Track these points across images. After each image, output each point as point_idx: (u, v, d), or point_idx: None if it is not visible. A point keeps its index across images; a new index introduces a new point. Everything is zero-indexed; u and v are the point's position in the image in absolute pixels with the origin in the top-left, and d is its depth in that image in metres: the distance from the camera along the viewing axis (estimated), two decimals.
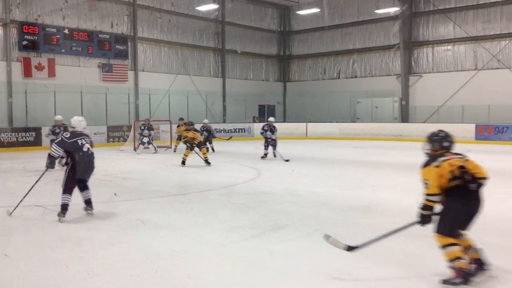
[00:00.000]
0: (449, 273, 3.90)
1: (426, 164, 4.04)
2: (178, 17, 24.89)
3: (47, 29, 19.70)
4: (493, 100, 21.61)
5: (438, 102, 23.80)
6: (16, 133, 17.81)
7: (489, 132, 20.69)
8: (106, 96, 21.33)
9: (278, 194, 8.34)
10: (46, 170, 6.51)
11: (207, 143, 15.85)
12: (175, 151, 16.63)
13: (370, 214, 6.62)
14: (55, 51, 19.94)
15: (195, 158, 13.09)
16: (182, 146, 16.85)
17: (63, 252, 4.92)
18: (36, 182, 6.67)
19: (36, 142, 17.99)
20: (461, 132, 21.34)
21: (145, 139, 16.33)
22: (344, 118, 26.10)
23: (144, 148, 16.53)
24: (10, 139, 17.57)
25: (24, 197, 6.55)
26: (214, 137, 16.80)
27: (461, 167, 3.91)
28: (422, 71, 25.04)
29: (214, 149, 16.67)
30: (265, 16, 29.59)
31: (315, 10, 27.63)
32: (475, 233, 4.15)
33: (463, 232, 3.99)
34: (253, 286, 3.99)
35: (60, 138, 6.30)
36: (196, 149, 12.63)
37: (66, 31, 20.26)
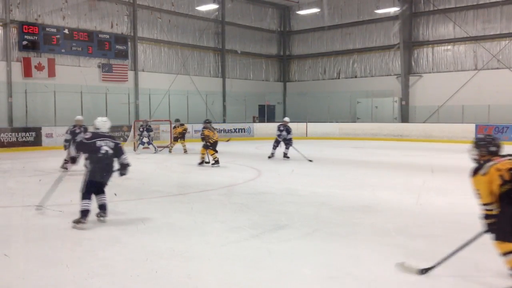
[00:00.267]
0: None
1: (474, 173, 3.90)
2: (178, 17, 24.89)
3: (47, 29, 19.71)
4: (493, 100, 21.61)
5: (438, 102, 23.81)
6: (16, 133, 17.80)
7: (489, 132, 20.67)
8: (106, 96, 21.33)
9: (278, 194, 8.33)
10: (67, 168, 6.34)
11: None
12: (170, 151, 16.57)
13: (370, 214, 6.62)
14: (55, 51, 19.95)
15: (195, 158, 13.09)
16: (177, 146, 16.92)
17: (63, 252, 4.92)
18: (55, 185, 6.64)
19: (36, 142, 18.00)
20: (461, 132, 21.38)
21: (145, 139, 16.34)
22: (344, 118, 26.11)
23: (144, 148, 16.53)
24: (10, 139, 17.57)
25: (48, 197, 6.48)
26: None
27: (510, 169, 3.76)
28: (422, 71, 25.05)
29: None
30: (265, 16, 29.60)
31: (315, 10, 27.64)
32: (474, 233, 4.15)
33: None
34: (253, 286, 3.99)
35: (80, 140, 6.11)
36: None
37: (66, 31, 20.27)
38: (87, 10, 21.18)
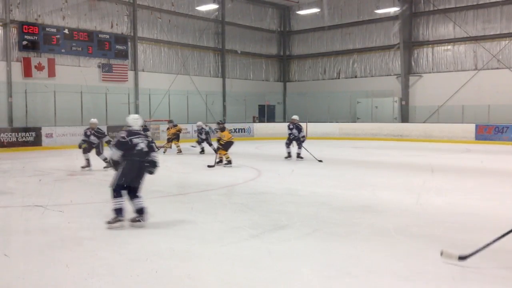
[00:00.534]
0: None
1: None
2: (178, 17, 24.90)
3: (47, 29, 19.70)
4: (493, 100, 21.61)
5: (438, 102, 23.81)
6: (16, 133, 17.80)
7: (489, 132, 20.70)
8: (106, 96, 21.32)
9: (278, 194, 8.33)
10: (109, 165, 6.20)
11: (207, 144, 15.80)
12: (164, 152, 16.38)
13: (370, 214, 6.62)
14: (55, 51, 19.94)
15: (195, 158, 13.09)
16: (172, 147, 16.88)
17: (63, 252, 4.92)
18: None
19: (36, 142, 17.99)
20: (461, 132, 21.40)
21: None
22: (344, 118, 26.12)
23: None
24: (10, 139, 17.56)
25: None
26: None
27: None
28: (422, 71, 25.05)
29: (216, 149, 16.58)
30: (265, 16, 29.60)
31: (315, 10, 27.64)
32: (474, 233, 4.15)
33: None
34: (253, 286, 3.99)
35: (116, 140, 6.00)
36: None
37: (66, 31, 20.26)
38: (87, 10, 21.18)
